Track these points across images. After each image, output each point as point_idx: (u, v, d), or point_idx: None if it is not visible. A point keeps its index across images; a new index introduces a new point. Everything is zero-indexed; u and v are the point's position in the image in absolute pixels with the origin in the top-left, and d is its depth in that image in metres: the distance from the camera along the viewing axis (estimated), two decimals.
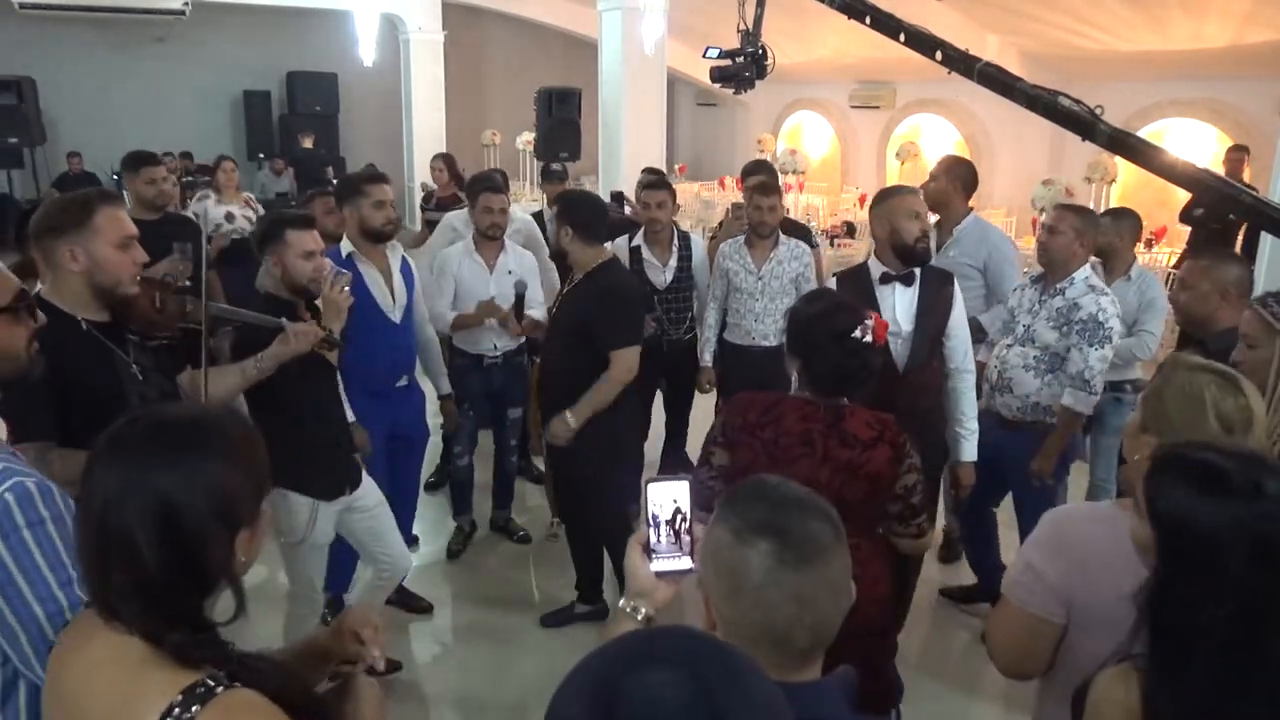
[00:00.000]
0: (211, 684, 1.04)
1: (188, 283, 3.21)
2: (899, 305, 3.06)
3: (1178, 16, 7.98)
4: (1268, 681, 1.19)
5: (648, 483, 1.44)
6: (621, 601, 1.41)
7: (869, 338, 2.15)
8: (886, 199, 3.14)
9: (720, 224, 4.97)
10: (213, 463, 1.10)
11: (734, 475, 2.18)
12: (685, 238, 4.52)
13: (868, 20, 2.28)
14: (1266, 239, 3.76)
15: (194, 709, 1.02)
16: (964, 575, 4.07)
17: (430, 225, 5.98)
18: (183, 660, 1.06)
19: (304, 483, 2.77)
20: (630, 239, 4.51)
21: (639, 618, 1.37)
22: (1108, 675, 1.30)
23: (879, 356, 2.24)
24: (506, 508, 4.57)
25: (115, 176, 12.50)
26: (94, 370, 2.11)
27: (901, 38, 2.24)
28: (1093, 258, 4.07)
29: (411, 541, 4.44)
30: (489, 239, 4.09)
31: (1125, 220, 4.03)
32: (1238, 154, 7.87)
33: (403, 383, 3.68)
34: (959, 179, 3.96)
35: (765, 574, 1.09)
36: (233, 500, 1.10)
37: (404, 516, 3.72)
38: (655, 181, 4.59)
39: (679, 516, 1.41)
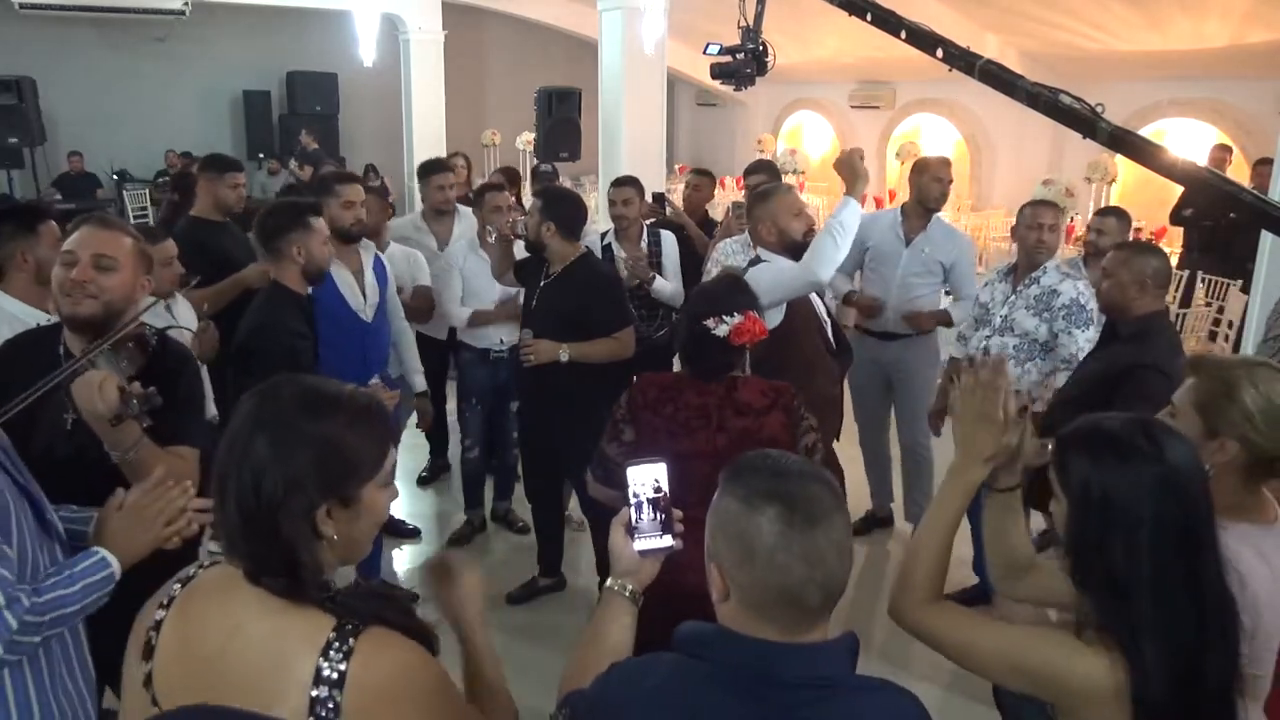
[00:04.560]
0: (358, 623, 1.16)
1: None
2: (816, 298, 3.17)
3: (1178, 16, 7.98)
4: (1212, 597, 1.34)
5: (628, 465, 1.50)
6: (609, 581, 1.48)
7: (720, 331, 2.26)
8: (767, 200, 3.19)
9: (720, 223, 4.97)
10: (296, 446, 1.19)
11: (639, 449, 2.35)
12: (656, 234, 4.52)
13: (869, 17, 2.28)
14: (1267, 238, 3.75)
15: (350, 641, 1.14)
16: (963, 577, 4.07)
17: None
18: (294, 600, 1.17)
19: None
20: (602, 237, 4.53)
21: (626, 594, 1.45)
22: (1084, 658, 1.36)
23: (729, 353, 2.32)
24: (507, 499, 4.59)
25: (115, 176, 12.53)
26: (22, 388, 1.80)
27: (903, 34, 2.25)
28: (1073, 253, 4.24)
29: (412, 534, 4.48)
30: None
31: (1125, 220, 4.19)
32: (1220, 153, 8.06)
33: (374, 381, 3.64)
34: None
35: (776, 537, 1.15)
36: (299, 481, 1.18)
37: None
38: (621, 179, 4.57)
39: (659, 496, 1.48)
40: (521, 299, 3.85)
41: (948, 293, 4.34)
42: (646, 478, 1.49)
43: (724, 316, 2.27)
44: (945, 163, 4.27)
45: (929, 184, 4.16)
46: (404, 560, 4.34)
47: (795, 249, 3.10)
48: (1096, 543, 1.39)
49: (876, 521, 4.60)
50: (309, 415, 1.21)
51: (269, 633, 1.17)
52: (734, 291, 2.40)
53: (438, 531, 4.53)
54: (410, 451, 4.82)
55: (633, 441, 2.38)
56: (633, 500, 1.48)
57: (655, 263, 4.46)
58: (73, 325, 2.02)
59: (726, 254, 4.26)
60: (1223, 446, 1.61)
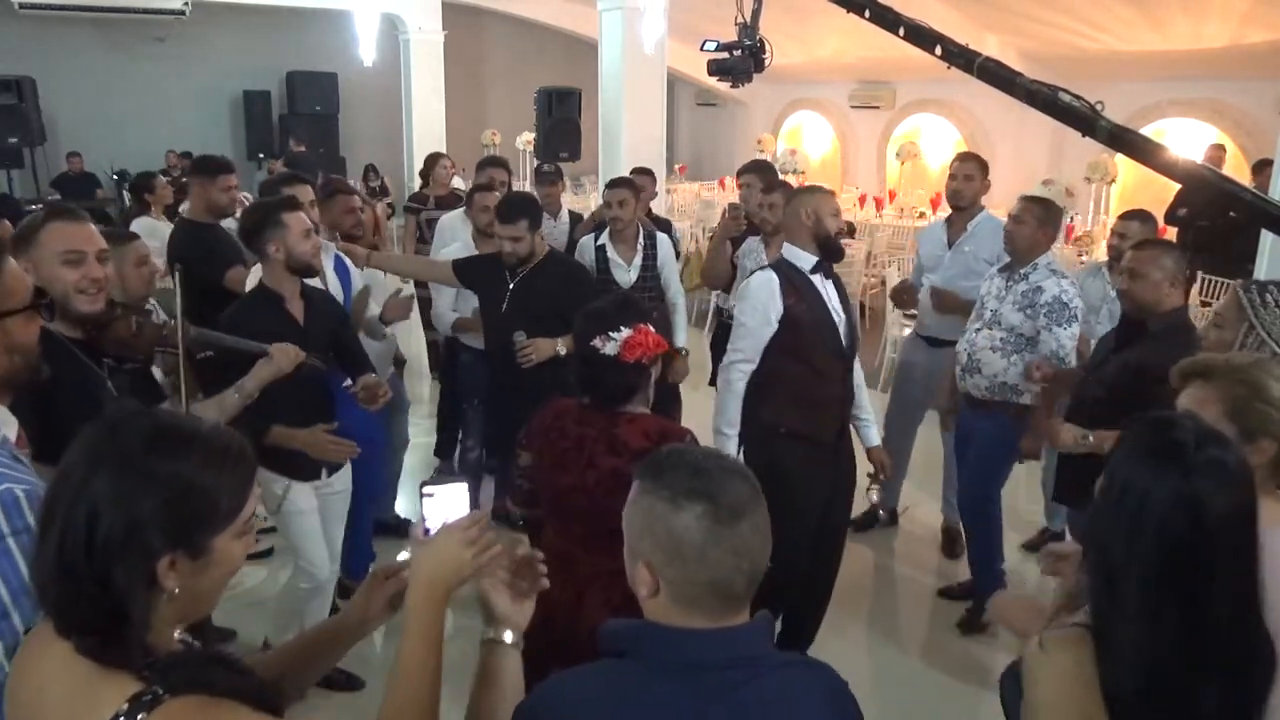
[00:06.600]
0: (160, 692, 1.02)
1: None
2: (829, 295, 3.16)
3: (1178, 16, 7.97)
4: (1210, 631, 1.31)
5: (421, 485, 1.40)
6: (486, 632, 1.38)
7: (609, 350, 2.09)
8: (812, 193, 3.24)
9: (720, 223, 4.96)
10: (141, 486, 1.05)
11: (535, 475, 2.28)
12: (651, 236, 4.45)
13: (866, 14, 2.27)
14: (1267, 238, 3.75)
15: (140, 716, 1.00)
16: (955, 571, 4.08)
17: (430, 225, 5.96)
18: (103, 663, 1.04)
19: (279, 464, 2.86)
20: (595, 238, 4.44)
21: (509, 643, 1.36)
22: (1055, 644, 1.39)
23: (625, 372, 2.12)
24: (507, 496, 4.57)
25: (115, 176, 12.52)
26: (73, 383, 2.10)
27: (901, 31, 2.24)
28: (1101, 258, 4.20)
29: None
30: (486, 236, 4.10)
31: (1150, 222, 4.17)
32: (1215, 152, 8.15)
33: (346, 382, 3.43)
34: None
35: (705, 534, 1.18)
36: (143, 525, 1.04)
37: (365, 515, 3.76)
38: (616, 180, 4.53)
39: None
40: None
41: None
42: (443, 504, 1.36)
43: (610, 333, 2.10)
44: (960, 158, 4.38)
45: (947, 183, 4.30)
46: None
47: (825, 243, 3.11)
48: (1106, 526, 1.39)
49: (876, 519, 4.57)
50: (158, 453, 1.07)
51: (65, 696, 1.05)
52: (622, 308, 2.24)
53: None
54: (410, 451, 4.80)
55: (530, 466, 2.33)
56: (424, 530, 1.35)
57: (650, 265, 4.41)
58: (87, 320, 2.13)
59: (745, 254, 4.30)
60: (1260, 449, 1.61)
